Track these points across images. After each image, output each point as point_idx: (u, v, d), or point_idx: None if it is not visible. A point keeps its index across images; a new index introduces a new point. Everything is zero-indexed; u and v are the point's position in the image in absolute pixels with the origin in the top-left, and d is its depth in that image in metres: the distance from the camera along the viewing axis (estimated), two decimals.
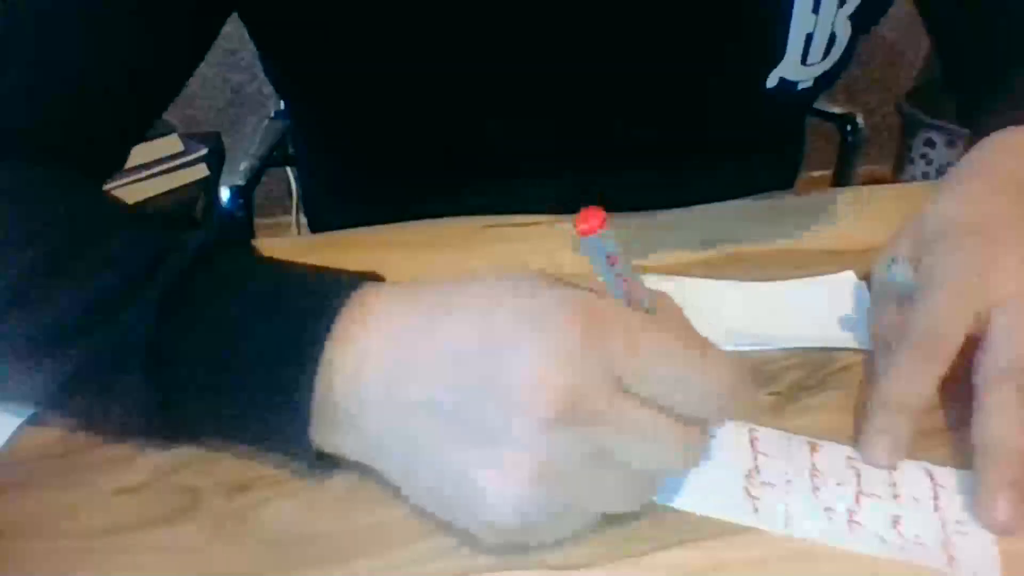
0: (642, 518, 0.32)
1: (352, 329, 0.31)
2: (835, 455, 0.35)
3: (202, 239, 0.34)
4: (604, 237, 0.28)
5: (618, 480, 0.29)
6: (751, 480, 0.33)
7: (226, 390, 0.32)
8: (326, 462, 0.33)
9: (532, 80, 0.51)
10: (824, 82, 0.54)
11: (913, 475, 0.34)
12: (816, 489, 0.33)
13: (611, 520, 0.32)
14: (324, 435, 0.32)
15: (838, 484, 0.33)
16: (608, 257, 0.29)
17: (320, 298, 0.32)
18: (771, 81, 0.52)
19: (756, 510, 0.32)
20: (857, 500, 0.33)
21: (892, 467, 0.34)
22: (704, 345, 0.30)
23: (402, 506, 0.32)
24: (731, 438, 0.35)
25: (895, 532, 0.31)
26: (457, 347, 0.29)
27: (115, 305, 0.32)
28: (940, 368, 0.35)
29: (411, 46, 0.49)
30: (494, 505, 0.28)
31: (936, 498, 0.33)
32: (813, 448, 0.35)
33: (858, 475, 0.34)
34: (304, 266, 0.34)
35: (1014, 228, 0.38)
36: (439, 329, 0.30)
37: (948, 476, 0.34)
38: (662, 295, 0.32)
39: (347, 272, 0.33)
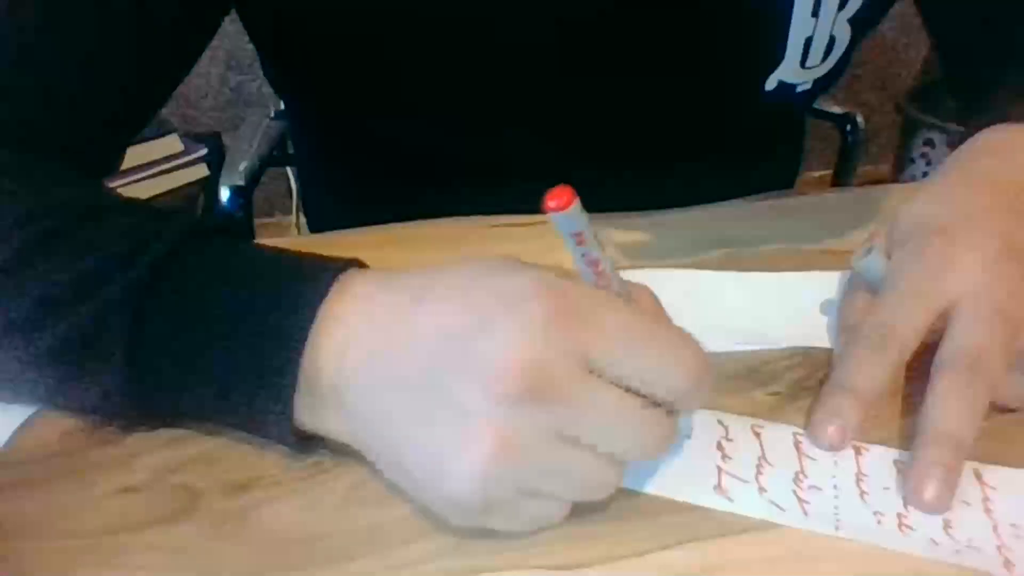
0: (642, 518, 0.32)
1: (337, 311, 0.32)
2: (881, 458, 0.35)
3: (190, 221, 0.35)
4: (574, 215, 0.29)
5: (582, 464, 0.29)
6: (799, 483, 0.33)
7: (209, 369, 0.32)
8: (305, 444, 0.34)
9: (535, 85, 0.51)
10: (823, 84, 0.54)
11: (961, 477, 0.33)
12: (864, 493, 0.33)
13: (611, 519, 0.32)
14: (308, 414, 0.32)
15: (885, 488, 0.33)
16: (576, 236, 0.29)
17: (307, 281, 0.33)
18: (770, 84, 0.52)
19: (806, 514, 0.32)
20: (906, 504, 0.33)
21: (838, 451, 0.35)
22: (672, 329, 0.31)
23: (402, 506, 0.32)
24: (777, 441, 0.35)
25: (947, 536, 0.31)
26: (434, 328, 0.30)
27: (99, 282, 0.33)
28: (890, 359, 0.36)
29: (412, 49, 0.49)
30: (456, 481, 0.28)
31: (987, 499, 0.33)
32: (858, 451, 0.35)
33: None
34: (290, 251, 0.35)
35: (978, 227, 0.39)
36: (419, 311, 0.31)
37: (998, 477, 0.33)
38: (636, 284, 0.33)
39: (332, 258, 0.34)
